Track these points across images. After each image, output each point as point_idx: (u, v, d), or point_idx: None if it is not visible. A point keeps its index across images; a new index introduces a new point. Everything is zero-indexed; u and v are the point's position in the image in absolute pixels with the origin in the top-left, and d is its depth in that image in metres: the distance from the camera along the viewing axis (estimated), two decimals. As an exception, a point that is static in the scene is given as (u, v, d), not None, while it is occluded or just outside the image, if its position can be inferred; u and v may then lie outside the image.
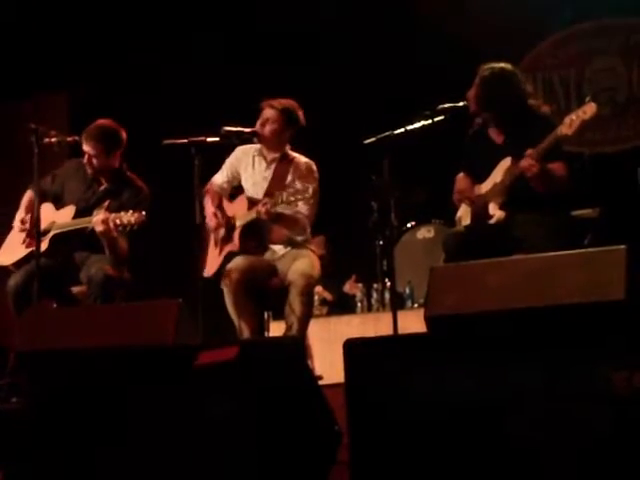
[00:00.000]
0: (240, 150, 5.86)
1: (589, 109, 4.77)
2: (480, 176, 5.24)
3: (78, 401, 3.63)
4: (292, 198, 5.36)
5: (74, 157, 6.08)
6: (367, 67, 7.88)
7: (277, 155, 5.74)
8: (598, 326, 3.17)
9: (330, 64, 7.92)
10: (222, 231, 5.70)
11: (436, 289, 3.63)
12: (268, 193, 5.58)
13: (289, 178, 5.63)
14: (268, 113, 5.67)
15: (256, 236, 5.62)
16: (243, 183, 5.79)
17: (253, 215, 5.51)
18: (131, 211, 5.41)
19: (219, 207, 5.78)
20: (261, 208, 5.43)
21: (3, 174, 8.40)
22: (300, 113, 5.72)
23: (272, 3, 8.12)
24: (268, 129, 5.66)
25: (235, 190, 5.85)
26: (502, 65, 5.21)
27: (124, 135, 5.82)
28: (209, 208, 5.73)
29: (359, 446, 3.34)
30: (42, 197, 5.69)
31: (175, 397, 3.48)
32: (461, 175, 5.39)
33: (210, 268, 5.66)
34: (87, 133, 5.73)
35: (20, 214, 5.83)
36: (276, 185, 5.54)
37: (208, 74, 8.15)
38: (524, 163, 4.90)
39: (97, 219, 5.52)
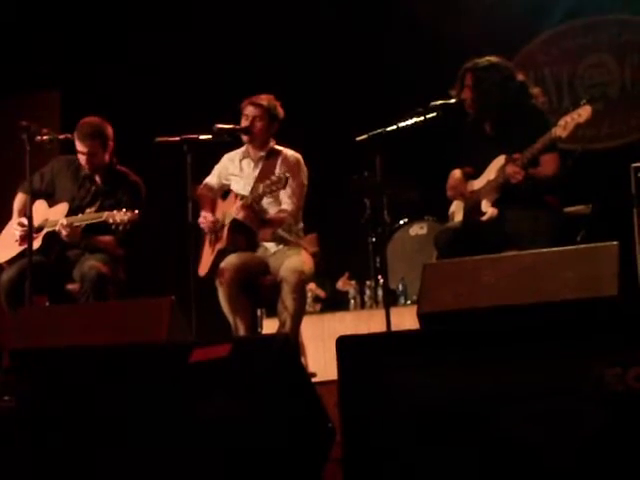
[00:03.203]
0: (226, 157, 5.91)
1: (584, 112, 4.78)
2: (475, 166, 5.24)
3: (71, 399, 3.62)
4: (268, 190, 5.35)
5: (67, 155, 6.06)
6: (360, 63, 7.87)
7: (263, 153, 5.75)
8: (591, 322, 3.17)
9: (322, 61, 7.91)
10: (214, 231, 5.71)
11: (429, 286, 3.63)
12: (254, 189, 5.58)
13: (276, 172, 5.62)
14: (253, 111, 5.67)
15: (245, 232, 5.62)
16: (233, 187, 5.79)
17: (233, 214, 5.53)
18: (124, 210, 5.41)
19: (212, 208, 5.78)
20: (237, 206, 5.45)
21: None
22: (280, 107, 5.73)
23: (266, 1, 8.11)
24: (256, 127, 5.66)
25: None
26: (489, 59, 5.21)
27: (111, 129, 5.82)
28: (203, 218, 5.72)
29: (352, 443, 3.34)
30: (33, 196, 5.68)
31: (168, 394, 3.47)
32: (455, 171, 5.39)
33: (203, 267, 5.66)
34: (81, 133, 5.70)
35: (16, 219, 5.81)
36: (263, 181, 5.54)
37: (200, 72, 8.14)
38: (509, 170, 4.92)
39: (60, 225, 5.52)
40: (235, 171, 5.83)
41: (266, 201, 5.55)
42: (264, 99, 5.70)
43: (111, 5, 8.33)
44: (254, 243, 5.64)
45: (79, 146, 5.72)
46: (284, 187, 5.34)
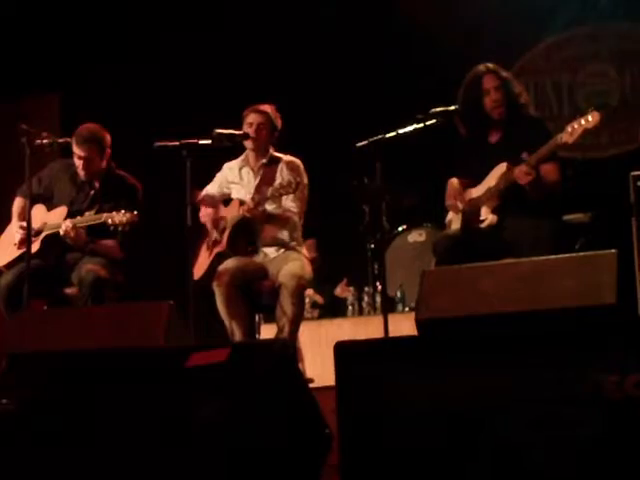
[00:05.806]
0: (226, 166, 5.95)
1: (593, 118, 4.75)
2: (475, 176, 5.24)
3: (68, 403, 3.62)
4: (277, 193, 5.39)
5: (64, 159, 6.06)
6: (360, 69, 7.88)
7: (264, 160, 5.78)
8: (589, 330, 3.17)
9: (322, 66, 7.91)
10: (215, 233, 5.72)
11: (427, 292, 3.63)
12: (260, 191, 5.60)
13: (277, 177, 5.66)
14: (256, 118, 5.71)
15: (246, 237, 5.63)
16: (234, 196, 5.82)
17: (239, 214, 5.54)
18: (123, 211, 5.41)
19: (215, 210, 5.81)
20: (245, 205, 5.48)
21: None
22: (280, 118, 5.77)
23: (266, 4, 8.12)
24: (259, 134, 5.68)
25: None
26: (487, 66, 5.21)
27: (109, 136, 5.82)
28: (204, 210, 5.74)
29: (349, 449, 3.34)
30: (31, 200, 5.67)
31: (166, 398, 3.47)
32: (452, 180, 5.39)
33: (198, 270, 5.66)
34: (79, 138, 5.70)
35: (16, 223, 5.80)
36: (265, 186, 5.57)
37: (201, 76, 8.14)
38: (519, 171, 4.90)
39: (65, 229, 5.51)
40: (235, 179, 5.85)
41: (269, 207, 5.58)
42: (267, 108, 5.74)
43: (111, 7, 8.33)
44: (254, 248, 5.65)
45: (76, 150, 5.72)
46: (294, 192, 5.38)
